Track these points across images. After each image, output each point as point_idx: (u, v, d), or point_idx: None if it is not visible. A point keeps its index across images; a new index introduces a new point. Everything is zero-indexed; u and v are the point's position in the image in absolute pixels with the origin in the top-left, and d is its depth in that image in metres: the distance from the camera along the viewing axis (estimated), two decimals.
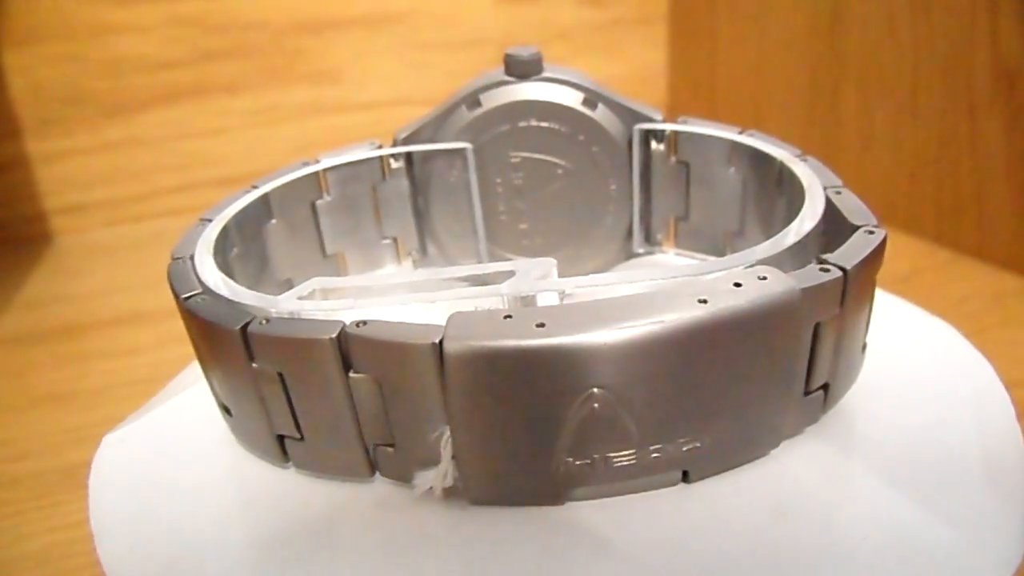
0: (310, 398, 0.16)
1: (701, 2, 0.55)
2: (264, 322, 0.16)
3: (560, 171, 0.25)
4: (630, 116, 0.24)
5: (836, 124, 0.45)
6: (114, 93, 0.50)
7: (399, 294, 0.17)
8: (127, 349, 0.35)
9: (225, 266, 0.20)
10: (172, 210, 0.52)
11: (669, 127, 0.24)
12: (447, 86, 0.55)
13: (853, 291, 0.16)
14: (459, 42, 0.54)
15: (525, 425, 0.15)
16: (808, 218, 0.18)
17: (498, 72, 0.24)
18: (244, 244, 0.22)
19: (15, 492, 0.26)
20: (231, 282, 0.17)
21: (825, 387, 0.17)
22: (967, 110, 0.37)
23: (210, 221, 0.21)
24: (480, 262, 0.26)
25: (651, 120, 0.24)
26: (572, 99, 0.24)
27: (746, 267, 0.16)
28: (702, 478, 0.16)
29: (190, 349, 0.22)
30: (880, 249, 0.17)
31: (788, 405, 0.16)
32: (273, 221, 0.23)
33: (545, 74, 0.24)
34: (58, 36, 0.48)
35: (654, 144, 0.25)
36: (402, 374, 0.15)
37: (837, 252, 0.16)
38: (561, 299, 0.17)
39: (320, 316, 0.16)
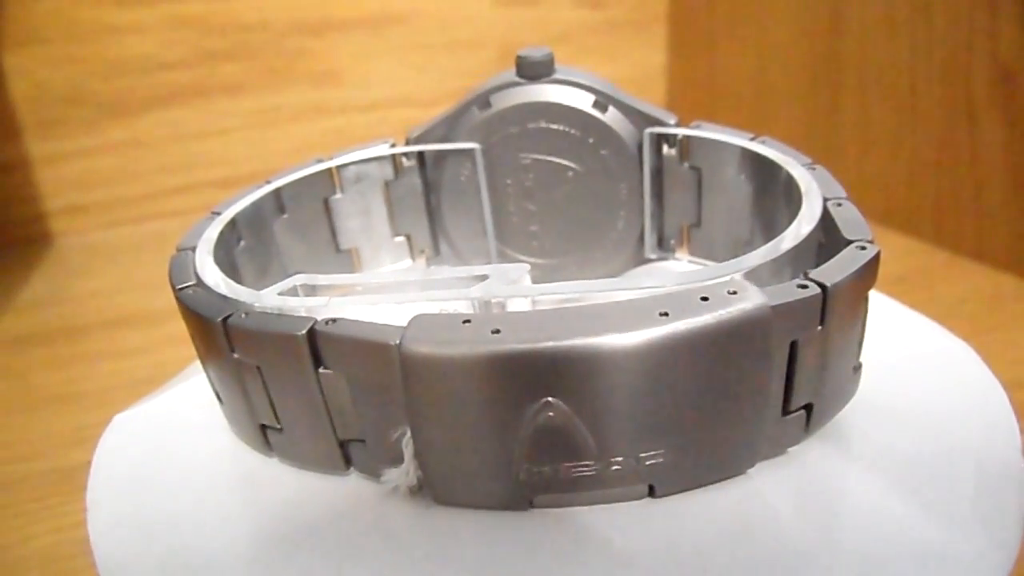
0: (285, 391, 0.17)
1: (700, 4, 0.55)
2: (244, 315, 0.16)
3: (571, 174, 0.25)
4: (642, 119, 0.24)
5: (835, 126, 0.45)
6: (115, 94, 0.50)
7: (376, 294, 0.17)
8: (128, 350, 0.35)
9: (229, 258, 0.21)
10: (173, 211, 0.52)
11: (680, 131, 0.24)
12: (447, 87, 0.55)
13: (836, 309, 0.15)
14: (459, 43, 0.54)
15: (482, 430, 0.15)
16: (806, 222, 0.18)
17: (509, 73, 0.24)
18: (252, 237, 0.22)
19: (16, 493, 0.26)
20: (222, 275, 0.18)
21: (809, 407, 0.16)
22: (966, 112, 0.37)
23: (218, 214, 0.21)
24: (490, 262, 0.26)
25: (663, 124, 0.24)
26: (582, 101, 0.24)
27: (743, 274, 0.16)
28: (669, 493, 0.16)
29: (190, 350, 0.22)
30: (870, 266, 0.16)
31: (763, 424, 0.16)
32: (285, 216, 0.24)
33: (556, 76, 0.24)
34: (59, 37, 0.48)
35: (666, 149, 0.24)
36: (366, 373, 0.15)
37: (821, 267, 0.15)
38: (533, 305, 0.17)
39: (297, 312, 0.16)
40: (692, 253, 0.25)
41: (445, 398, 0.15)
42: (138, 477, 0.18)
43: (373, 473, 0.17)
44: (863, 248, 0.16)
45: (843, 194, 0.19)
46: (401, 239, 0.26)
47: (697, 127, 0.23)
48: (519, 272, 0.17)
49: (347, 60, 0.53)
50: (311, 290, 0.18)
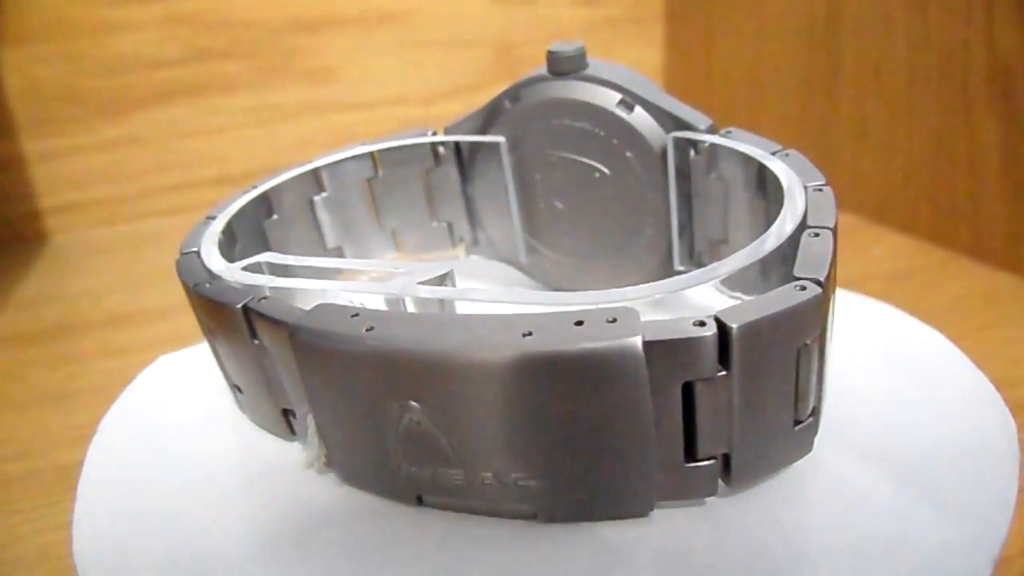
0: (234, 357, 0.18)
1: (697, 1, 0.55)
2: (208, 285, 0.17)
3: (597, 175, 0.23)
4: (671, 122, 0.22)
5: (832, 123, 0.45)
6: (110, 92, 0.50)
7: (318, 279, 0.18)
8: (123, 348, 0.35)
9: (258, 230, 0.23)
10: (168, 209, 0.52)
11: (703, 138, 0.21)
12: (443, 85, 0.55)
13: (746, 354, 0.14)
14: (455, 41, 0.54)
15: (358, 420, 0.15)
16: (789, 219, 0.17)
17: (543, 68, 0.23)
18: (287, 212, 0.24)
19: (11, 492, 0.26)
20: (211, 246, 0.19)
21: (727, 457, 0.15)
22: (963, 109, 0.37)
23: (255, 188, 0.23)
24: (519, 256, 0.26)
25: (692, 128, 0.22)
26: (606, 100, 0.22)
27: (723, 279, 0.15)
28: (553, 520, 0.15)
29: (185, 346, 0.22)
30: (805, 310, 0.14)
31: (650, 467, 0.15)
32: (324, 194, 0.25)
33: (587, 71, 0.23)
34: (55, 35, 0.48)
35: (692, 155, 0.22)
36: (279, 349, 0.16)
37: (738, 305, 0.14)
38: (452, 306, 0.17)
39: (253, 287, 0.17)
40: None
41: (328, 385, 0.15)
42: (149, 407, 0.21)
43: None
44: (802, 288, 0.14)
45: (830, 224, 0.17)
46: (442, 225, 0.26)
47: (727, 134, 0.21)
48: (433, 272, 0.17)
49: (343, 58, 0.53)
50: (275, 268, 0.19)
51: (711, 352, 0.13)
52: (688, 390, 0.14)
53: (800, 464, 0.16)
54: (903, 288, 0.35)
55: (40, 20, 0.47)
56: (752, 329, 0.13)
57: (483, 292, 0.16)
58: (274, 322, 0.15)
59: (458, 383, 0.14)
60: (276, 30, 0.51)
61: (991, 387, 0.19)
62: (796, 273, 0.15)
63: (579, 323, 0.13)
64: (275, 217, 0.23)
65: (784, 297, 0.14)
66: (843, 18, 0.43)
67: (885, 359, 0.20)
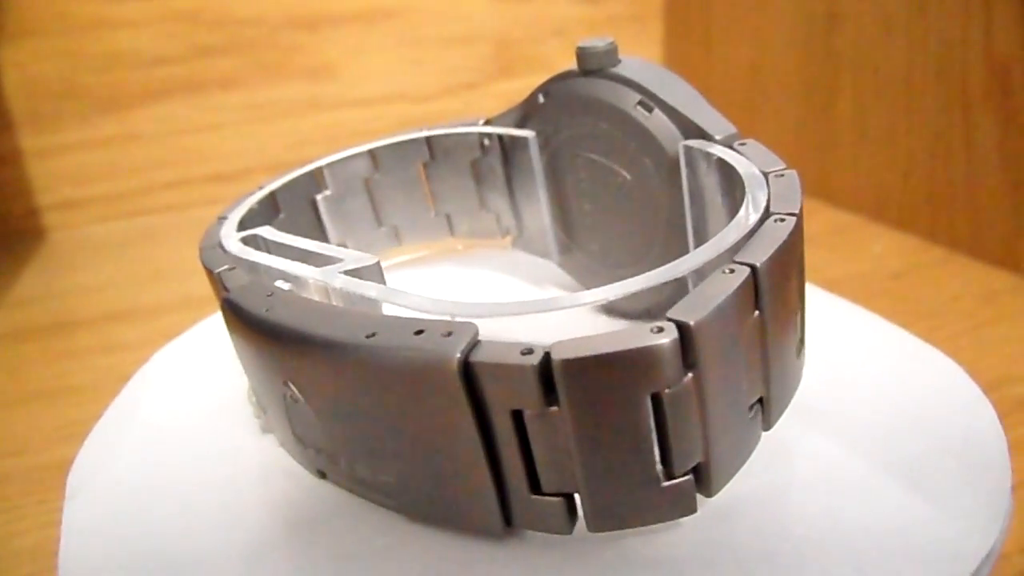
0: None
1: None
2: (212, 250, 0.18)
3: (619, 179, 0.22)
4: (688, 128, 0.20)
5: (831, 122, 0.45)
6: (108, 88, 0.50)
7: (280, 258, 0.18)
8: (119, 345, 0.35)
9: (308, 204, 0.24)
10: (166, 206, 0.52)
11: (712, 149, 0.19)
12: (442, 82, 0.55)
13: (572, 391, 0.12)
14: (454, 38, 0.54)
15: (265, 393, 0.16)
16: (753, 209, 0.16)
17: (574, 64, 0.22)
18: (338, 188, 0.25)
19: (6, 489, 0.26)
20: (233, 215, 0.20)
21: (570, 497, 0.14)
22: (961, 108, 0.37)
23: (310, 164, 0.24)
24: (552, 254, 0.26)
25: (707, 136, 0.20)
26: (624, 100, 0.21)
27: (690, 274, 0.14)
28: (418, 520, 0.15)
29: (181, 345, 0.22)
30: (647, 355, 0.12)
31: (487, 492, 0.14)
32: (378, 174, 0.26)
33: (614, 69, 0.21)
34: (53, 31, 0.48)
35: (705, 166, 0.20)
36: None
37: (580, 337, 0.12)
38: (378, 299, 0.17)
39: (228, 255, 0.18)
40: None
41: (245, 355, 0.16)
42: (150, 400, 0.23)
43: None
44: (659, 330, 0.12)
45: (758, 261, 0.14)
46: (490, 215, 0.27)
47: (742, 145, 0.19)
48: (359, 263, 0.17)
49: (341, 55, 0.53)
50: (265, 243, 0.20)
51: (532, 382, 0.12)
52: (519, 419, 0.13)
53: (795, 464, 0.16)
54: (902, 285, 0.35)
55: (39, 16, 0.47)
56: (578, 366, 0.12)
57: (390, 292, 0.16)
58: (218, 290, 0.16)
59: (314, 372, 0.14)
60: (275, 27, 0.51)
61: (978, 389, 0.19)
62: (668, 313, 0.13)
63: (419, 332, 0.13)
64: (328, 192, 0.25)
65: (627, 337, 0.12)
66: (843, 18, 0.43)
67: (872, 365, 0.20)
